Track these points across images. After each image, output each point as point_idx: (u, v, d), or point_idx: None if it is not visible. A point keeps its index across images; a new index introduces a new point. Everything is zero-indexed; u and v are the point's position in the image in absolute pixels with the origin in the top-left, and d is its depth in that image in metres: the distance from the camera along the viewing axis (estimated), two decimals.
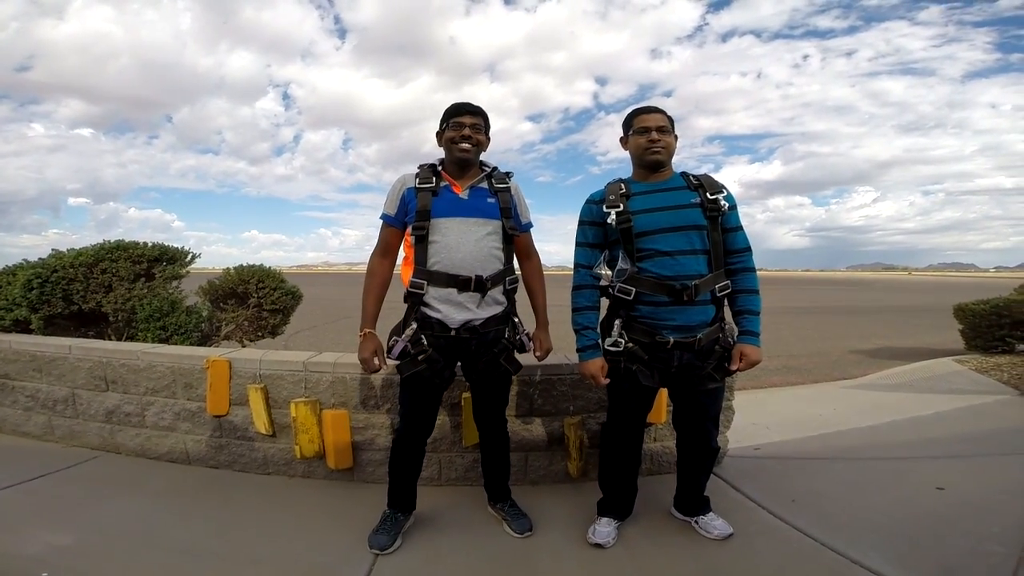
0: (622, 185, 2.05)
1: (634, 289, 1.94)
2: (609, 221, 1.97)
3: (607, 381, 2.02)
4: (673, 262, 1.92)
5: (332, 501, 2.51)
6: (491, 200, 2.09)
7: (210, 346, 4.07)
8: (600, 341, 2.04)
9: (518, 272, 2.22)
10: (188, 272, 4.42)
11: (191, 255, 4.38)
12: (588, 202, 2.09)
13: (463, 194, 2.06)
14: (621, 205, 1.98)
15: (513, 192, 2.15)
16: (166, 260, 4.19)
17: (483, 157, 2.18)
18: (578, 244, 2.11)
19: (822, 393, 5.86)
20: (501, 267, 2.08)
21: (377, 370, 2.06)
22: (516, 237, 2.15)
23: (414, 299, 2.03)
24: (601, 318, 2.10)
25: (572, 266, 2.12)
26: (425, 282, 2.00)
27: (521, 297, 2.21)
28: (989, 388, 5.16)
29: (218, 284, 4.55)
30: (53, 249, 3.91)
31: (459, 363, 2.15)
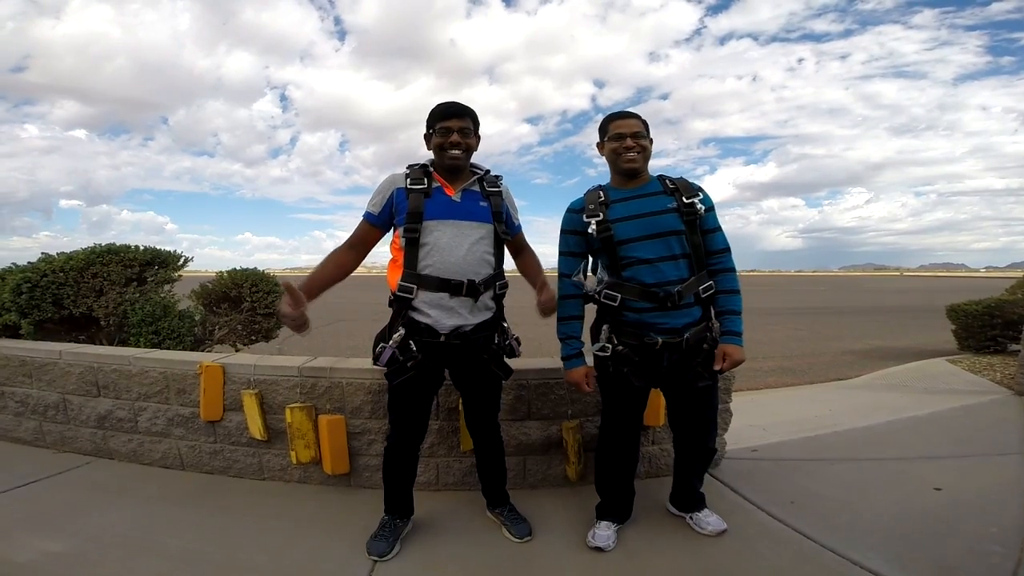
0: (601, 193, 2.05)
1: (619, 295, 1.95)
2: (590, 231, 1.98)
3: (590, 390, 2.07)
4: (654, 269, 1.93)
5: (329, 507, 2.48)
6: (483, 204, 2.05)
7: (203, 351, 4.03)
8: (589, 346, 2.06)
9: (507, 276, 2.17)
10: (180, 276, 4.39)
11: (183, 259, 4.35)
12: (569, 211, 2.09)
13: (456, 196, 2.02)
14: (601, 214, 1.98)
15: (505, 196, 2.12)
16: (158, 264, 4.16)
17: (479, 158, 2.15)
18: (561, 253, 2.11)
19: (818, 394, 5.89)
20: (492, 271, 2.04)
21: (299, 320, 1.88)
22: (509, 240, 2.13)
23: (401, 303, 1.97)
24: (590, 324, 2.11)
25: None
26: (415, 286, 1.94)
27: (510, 300, 2.16)
28: (982, 388, 5.20)
29: (211, 288, 4.52)
30: (43, 253, 3.88)
31: (447, 369, 2.12)
